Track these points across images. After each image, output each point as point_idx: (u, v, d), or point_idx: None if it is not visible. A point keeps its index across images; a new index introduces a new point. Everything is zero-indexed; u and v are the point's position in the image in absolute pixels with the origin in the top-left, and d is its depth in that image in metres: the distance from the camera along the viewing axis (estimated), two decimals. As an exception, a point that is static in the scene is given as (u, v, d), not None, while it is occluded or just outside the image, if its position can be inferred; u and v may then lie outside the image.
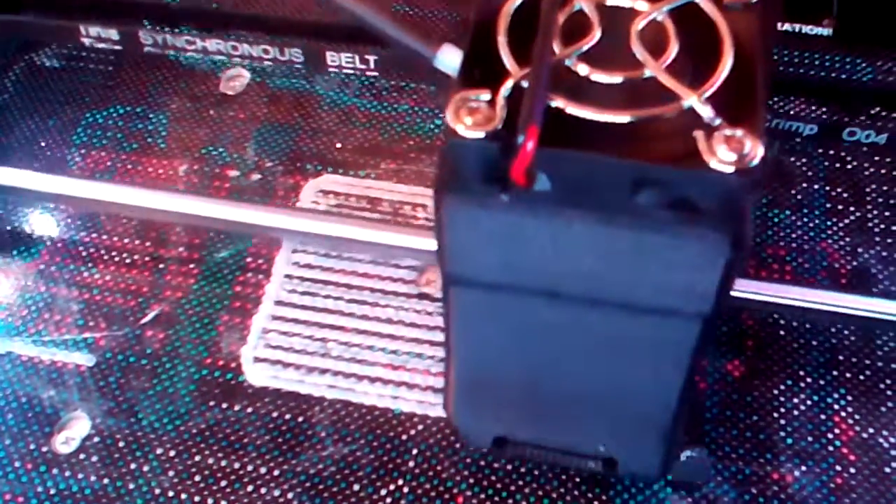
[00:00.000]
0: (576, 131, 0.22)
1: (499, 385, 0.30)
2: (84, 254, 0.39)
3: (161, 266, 0.39)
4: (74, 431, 0.35)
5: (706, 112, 0.22)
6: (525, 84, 0.22)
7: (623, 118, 0.22)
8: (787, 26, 0.45)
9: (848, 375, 0.35)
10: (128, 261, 0.39)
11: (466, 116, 0.22)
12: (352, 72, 0.43)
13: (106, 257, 0.39)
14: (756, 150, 0.21)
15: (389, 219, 0.40)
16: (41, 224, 0.40)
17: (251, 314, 0.38)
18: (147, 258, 0.39)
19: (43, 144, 0.43)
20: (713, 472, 0.33)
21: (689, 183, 0.22)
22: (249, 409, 0.35)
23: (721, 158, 0.21)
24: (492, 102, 0.22)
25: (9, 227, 0.40)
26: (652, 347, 0.26)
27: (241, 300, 0.38)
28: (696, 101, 0.22)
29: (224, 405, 0.35)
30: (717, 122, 0.22)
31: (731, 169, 0.21)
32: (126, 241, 0.39)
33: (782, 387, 0.35)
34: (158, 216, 0.39)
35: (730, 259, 0.22)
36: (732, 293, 0.24)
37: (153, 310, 0.38)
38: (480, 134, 0.22)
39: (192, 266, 0.39)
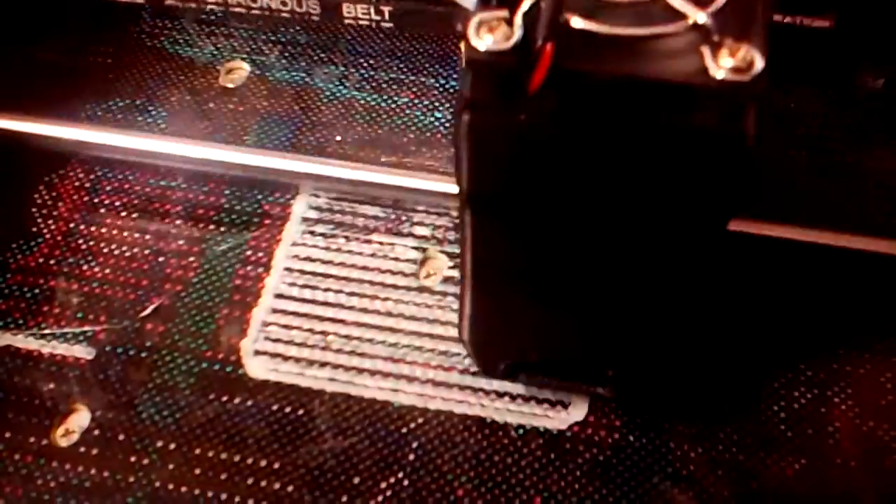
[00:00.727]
0: (589, 49, 0.23)
1: (513, 310, 0.31)
2: (83, 247, 0.39)
3: (161, 259, 0.39)
4: (74, 424, 0.35)
5: (711, 27, 0.23)
6: (542, 3, 0.23)
7: (634, 33, 0.23)
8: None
9: (848, 368, 0.35)
10: (127, 254, 0.39)
11: (486, 34, 0.23)
12: (367, 23, 0.44)
13: (105, 250, 0.39)
14: (758, 61, 0.22)
15: (390, 212, 0.40)
16: (41, 215, 0.40)
17: (251, 307, 0.37)
18: (147, 251, 0.39)
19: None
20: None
21: (698, 93, 0.23)
22: (249, 402, 0.35)
23: (725, 68, 0.22)
24: (510, 21, 0.23)
25: (8, 220, 0.40)
26: (663, 265, 0.27)
27: (241, 293, 0.38)
28: (701, 17, 0.23)
29: (224, 398, 0.35)
30: (722, 37, 0.23)
31: (735, 77, 0.22)
32: (125, 234, 0.39)
33: (782, 379, 0.35)
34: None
35: (739, 160, 0.23)
36: (734, 227, 0.26)
37: (153, 303, 0.38)
38: (499, 49, 0.23)
39: (191, 259, 0.39)
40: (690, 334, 0.30)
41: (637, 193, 0.25)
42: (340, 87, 0.44)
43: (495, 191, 0.26)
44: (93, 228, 0.40)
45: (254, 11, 0.45)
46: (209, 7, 0.46)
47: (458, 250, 0.38)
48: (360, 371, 0.36)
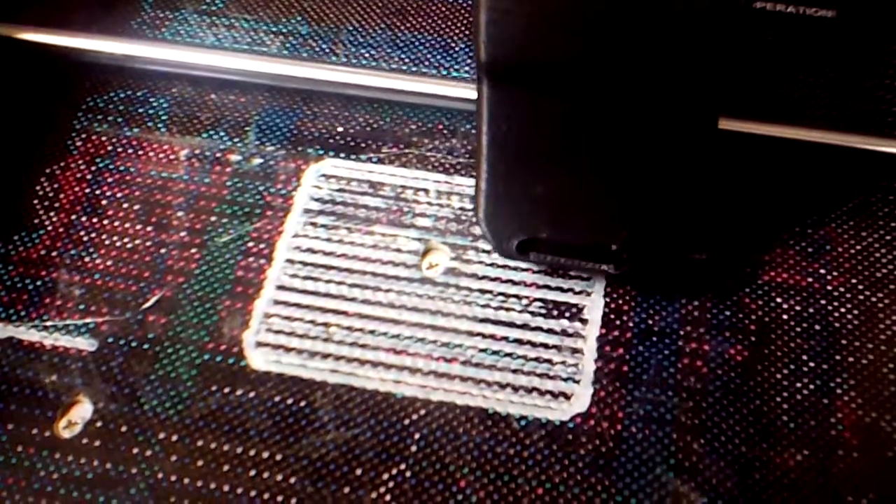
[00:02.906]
0: None
1: (525, 184, 0.32)
2: (85, 238, 0.39)
3: (163, 251, 0.39)
4: (76, 416, 0.35)
5: None
6: None
7: None
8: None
9: (850, 360, 0.35)
10: (129, 245, 0.39)
11: None
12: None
13: (107, 242, 0.39)
14: None
15: (392, 204, 0.40)
16: (42, 206, 0.40)
17: (253, 299, 0.37)
18: (148, 243, 0.39)
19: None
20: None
21: None
22: (252, 394, 0.35)
23: None
24: None
25: (10, 211, 0.40)
26: (658, 136, 0.30)
27: (243, 285, 0.38)
28: None
29: (226, 390, 0.35)
30: None
31: None
32: (127, 225, 0.39)
33: (785, 371, 0.35)
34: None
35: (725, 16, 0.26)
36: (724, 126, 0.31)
37: (155, 294, 0.38)
38: None
39: (193, 251, 0.39)
40: (690, 207, 0.32)
41: (637, 51, 0.27)
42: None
43: (509, 56, 0.28)
44: (94, 220, 0.40)
45: None
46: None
47: (460, 241, 0.38)
48: (363, 362, 0.36)
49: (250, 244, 0.39)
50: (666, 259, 0.34)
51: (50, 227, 0.39)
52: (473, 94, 0.33)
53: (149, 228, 0.39)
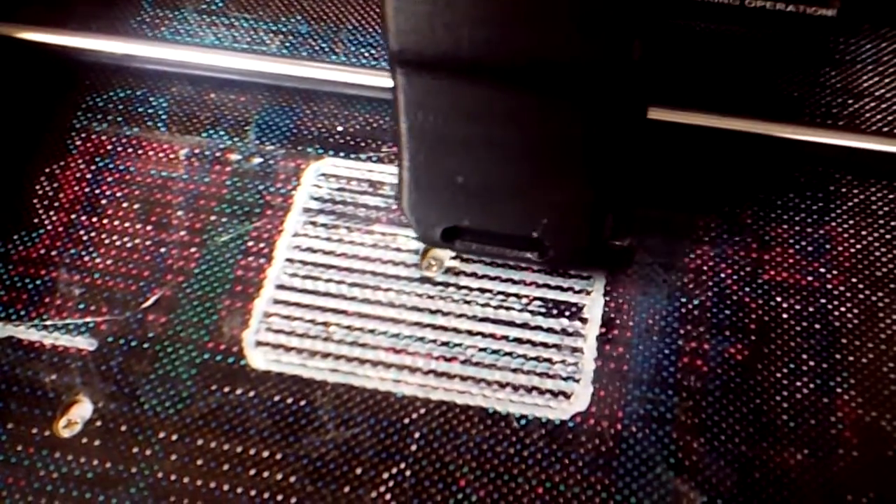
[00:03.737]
0: None
1: (445, 172, 0.33)
2: (85, 238, 0.39)
3: (162, 250, 0.39)
4: (76, 415, 0.35)
5: None
6: None
7: None
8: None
9: (850, 359, 0.35)
10: (129, 245, 0.39)
11: None
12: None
13: (107, 241, 0.39)
14: None
15: (392, 203, 0.40)
16: (42, 206, 0.40)
17: (253, 298, 0.37)
18: (148, 242, 0.39)
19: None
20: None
21: None
22: (251, 393, 0.35)
23: None
24: None
25: (10, 211, 0.40)
26: (567, 122, 0.30)
27: (243, 284, 0.38)
28: None
29: (226, 389, 0.35)
30: None
31: None
32: (127, 224, 0.39)
33: (784, 370, 0.35)
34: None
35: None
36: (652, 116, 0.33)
37: (155, 294, 0.38)
38: None
39: (193, 250, 0.39)
40: (601, 188, 0.32)
41: (539, 40, 0.28)
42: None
43: (417, 45, 0.28)
44: (94, 219, 0.40)
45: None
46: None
47: (459, 241, 0.38)
48: (362, 362, 0.36)
49: (250, 243, 0.39)
50: (588, 246, 0.34)
51: (50, 227, 0.39)
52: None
53: (148, 227, 0.39)
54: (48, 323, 0.37)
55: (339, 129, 0.42)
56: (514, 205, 0.33)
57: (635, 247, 0.37)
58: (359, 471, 0.33)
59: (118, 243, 0.39)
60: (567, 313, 0.37)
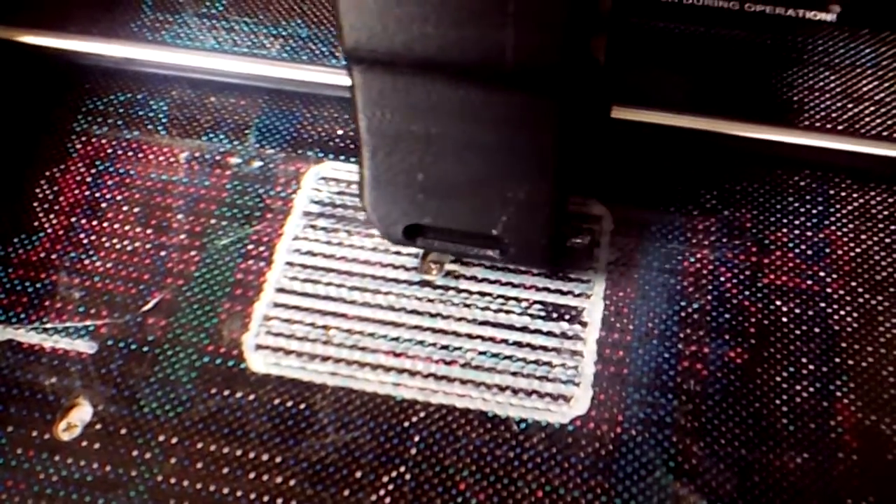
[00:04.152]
0: None
1: (404, 170, 0.33)
2: (85, 241, 0.39)
3: (162, 253, 0.39)
4: (76, 418, 0.35)
5: None
6: None
7: None
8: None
9: (850, 363, 0.35)
10: (129, 248, 0.39)
11: None
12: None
13: (107, 244, 0.39)
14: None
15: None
16: (42, 209, 0.40)
17: (253, 301, 0.37)
18: (148, 245, 0.39)
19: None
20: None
21: None
22: (251, 397, 0.35)
23: None
24: None
25: (10, 214, 0.40)
26: (522, 119, 0.30)
27: (243, 287, 0.38)
28: None
29: (226, 392, 0.35)
30: None
31: None
32: (127, 228, 0.39)
33: (784, 374, 0.35)
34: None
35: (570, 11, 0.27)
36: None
37: (154, 297, 0.38)
38: None
39: (193, 253, 0.39)
40: (557, 187, 0.32)
41: (484, 38, 0.28)
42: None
43: (370, 41, 0.28)
44: (94, 223, 0.40)
45: None
46: None
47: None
48: (362, 365, 0.36)
49: (250, 247, 0.39)
50: (548, 244, 0.34)
51: (50, 230, 0.39)
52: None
53: (148, 231, 0.39)
54: (48, 326, 0.37)
55: (340, 132, 0.42)
56: (474, 202, 0.33)
57: (594, 245, 0.37)
58: (358, 474, 0.33)
59: (118, 247, 0.39)
60: (567, 317, 0.37)
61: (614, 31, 0.40)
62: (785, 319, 0.36)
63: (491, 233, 0.34)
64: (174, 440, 0.34)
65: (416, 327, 0.37)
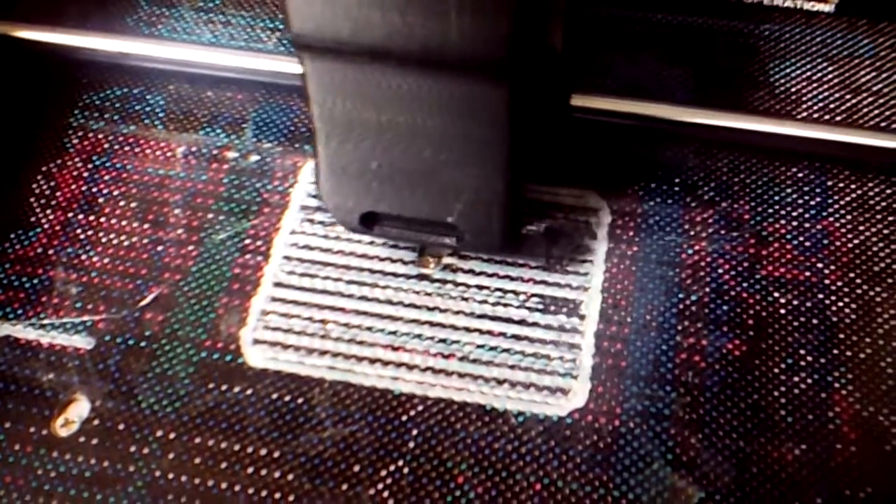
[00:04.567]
0: None
1: (358, 159, 0.33)
2: (82, 236, 0.39)
3: (160, 248, 0.39)
4: (74, 414, 0.35)
5: None
6: None
7: None
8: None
9: (848, 354, 0.35)
10: (126, 243, 0.39)
11: None
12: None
13: (104, 239, 0.39)
14: None
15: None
16: (39, 204, 0.40)
17: (250, 296, 0.37)
18: (145, 240, 0.39)
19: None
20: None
21: None
22: (249, 391, 0.35)
23: None
24: None
25: (7, 210, 0.40)
26: (472, 107, 0.30)
27: (240, 282, 0.38)
28: None
29: (223, 387, 0.35)
30: None
31: None
32: (124, 223, 0.39)
33: (782, 365, 0.35)
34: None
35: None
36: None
37: (152, 292, 0.38)
38: None
39: (190, 248, 0.39)
40: (510, 175, 0.32)
41: (429, 28, 0.28)
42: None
43: (316, 29, 0.29)
44: (91, 218, 0.40)
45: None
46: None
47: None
48: (360, 359, 0.36)
49: (247, 241, 0.39)
50: (503, 232, 0.34)
51: (46, 225, 0.39)
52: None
53: (146, 226, 0.39)
54: (45, 322, 0.37)
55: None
56: (429, 190, 0.33)
57: (549, 233, 0.37)
58: (357, 468, 0.33)
59: (115, 242, 0.39)
60: (564, 310, 0.37)
61: (572, 20, 0.40)
62: (783, 311, 0.36)
63: (447, 220, 0.34)
64: (172, 435, 0.34)
65: (413, 321, 0.37)
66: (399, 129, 0.32)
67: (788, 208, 0.39)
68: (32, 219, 0.40)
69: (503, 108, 0.30)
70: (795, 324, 0.36)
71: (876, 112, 0.41)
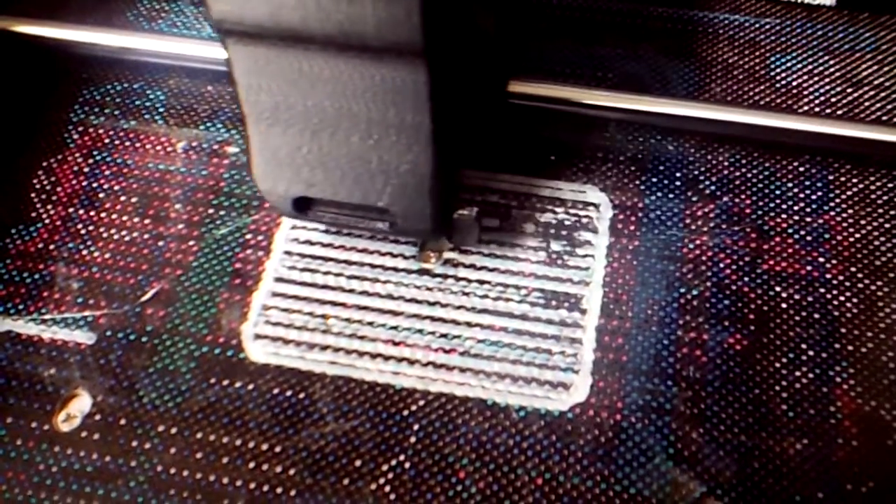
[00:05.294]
0: None
1: (287, 143, 0.33)
2: (83, 231, 0.39)
3: (161, 243, 0.39)
4: (75, 409, 0.35)
5: None
6: None
7: None
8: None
9: (850, 349, 0.35)
10: (127, 238, 0.39)
11: None
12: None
13: (105, 235, 0.39)
14: None
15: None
16: (40, 200, 0.40)
17: (251, 291, 0.37)
18: (146, 235, 0.39)
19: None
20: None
21: None
22: (250, 386, 0.35)
23: None
24: None
25: (8, 205, 0.40)
26: (394, 91, 0.30)
27: (241, 277, 0.38)
28: None
29: (225, 382, 0.35)
30: None
31: None
32: (125, 218, 0.39)
33: (784, 360, 0.35)
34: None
35: None
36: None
37: (153, 287, 0.38)
38: None
39: (191, 243, 0.39)
40: (436, 158, 0.32)
41: (344, 14, 0.28)
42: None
43: (235, 13, 0.29)
44: (92, 213, 0.40)
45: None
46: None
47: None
48: (361, 354, 0.36)
49: (248, 236, 0.39)
50: (433, 216, 0.34)
51: (47, 221, 0.39)
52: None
53: (146, 221, 0.39)
54: (47, 317, 0.37)
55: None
56: (359, 174, 0.33)
57: (480, 217, 0.37)
58: (358, 463, 0.33)
59: (116, 237, 0.39)
60: (566, 304, 0.37)
61: (507, 5, 0.40)
62: (784, 305, 0.36)
63: (377, 204, 0.34)
64: (173, 430, 0.34)
65: (415, 316, 0.37)
66: (325, 113, 0.32)
67: (790, 202, 0.39)
68: (33, 214, 0.39)
69: (424, 92, 0.30)
70: (797, 318, 0.36)
71: (877, 106, 0.41)
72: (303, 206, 0.35)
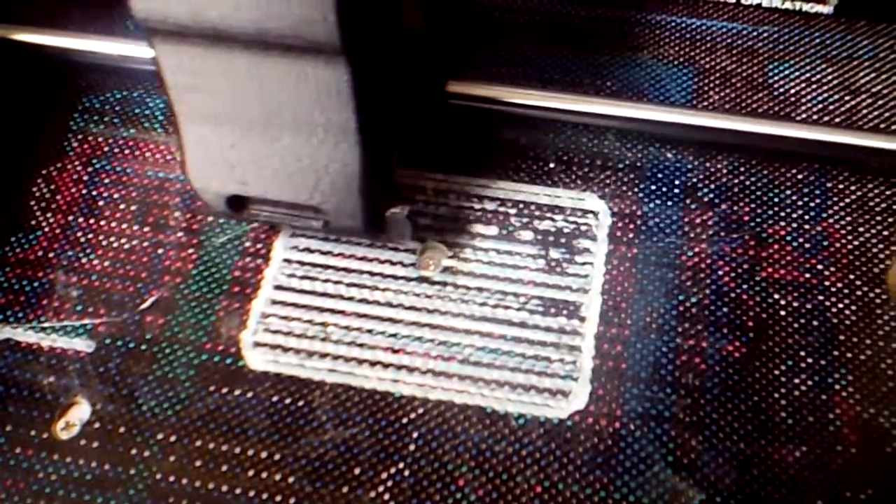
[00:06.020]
0: None
1: (218, 141, 0.33)
2: (82, 239, 0.39)
3: (160, 251, 0.39)
4: (74, 417, 0.35)
5: None
6: None
7: None
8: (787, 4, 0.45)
9: (848, 356, 0.35)
10: (126, 246, 0.39)
11: None
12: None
13: (104, 243, 0.39)
14: None
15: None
16: (40, 207, 0.40)
17: (250, 299, 0.37)
18: (146, 243, 0.39)
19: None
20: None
21: None
22: (249, 394, 0.35)
23: None
24: None
25: (7, 213, 0.40)
26: (318, 90, 0.30)
27: (241, 285, 0.38)
28: None
29: (224, 390, 0.35)
30: None
31: None
32: (124, 226, 0.39)
33: (783, 367, 0.35)
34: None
35: None
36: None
37: (152, 295, 0.38)
38: None
39: (191, 251, 0.39)
40: (364, 156, 0.33)
41: (261, 11, 0.28)
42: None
43: (159, 11, 0.29)
44: (91, 221, 0.40)
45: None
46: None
47: (457, 240, 0.38)
48: (360, 362, 0.36)
49: (247, 244, 0.39)
50: (364, 214, 0.34)
51: (47, 229, 0.39)
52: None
53: (146, 229, 0.39)
54: (46, 325, 0.37)
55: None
56: (290, 172, 0.33)
57: (411, 215, 0.38)
58: (357, 471, 0.33)
59: (115, 245, 0.39)
60: (565, 312, 0.37)
61: (440, 5, 0.40)
62: (783, 313, 0.36)
63: (310, 203, 0.34)
64: (173, 438, 0.34)
65: (414, 323, 0.37)
66: (254, 112, 0.32)
67: (788, 210, 0.39)
68: (33, 222, 0.40)
69: (347, 91, 0.30)
70: (795, 325, 0.36)
71: (875, 113, 0.41)
72: (237, 205, 0.35)
